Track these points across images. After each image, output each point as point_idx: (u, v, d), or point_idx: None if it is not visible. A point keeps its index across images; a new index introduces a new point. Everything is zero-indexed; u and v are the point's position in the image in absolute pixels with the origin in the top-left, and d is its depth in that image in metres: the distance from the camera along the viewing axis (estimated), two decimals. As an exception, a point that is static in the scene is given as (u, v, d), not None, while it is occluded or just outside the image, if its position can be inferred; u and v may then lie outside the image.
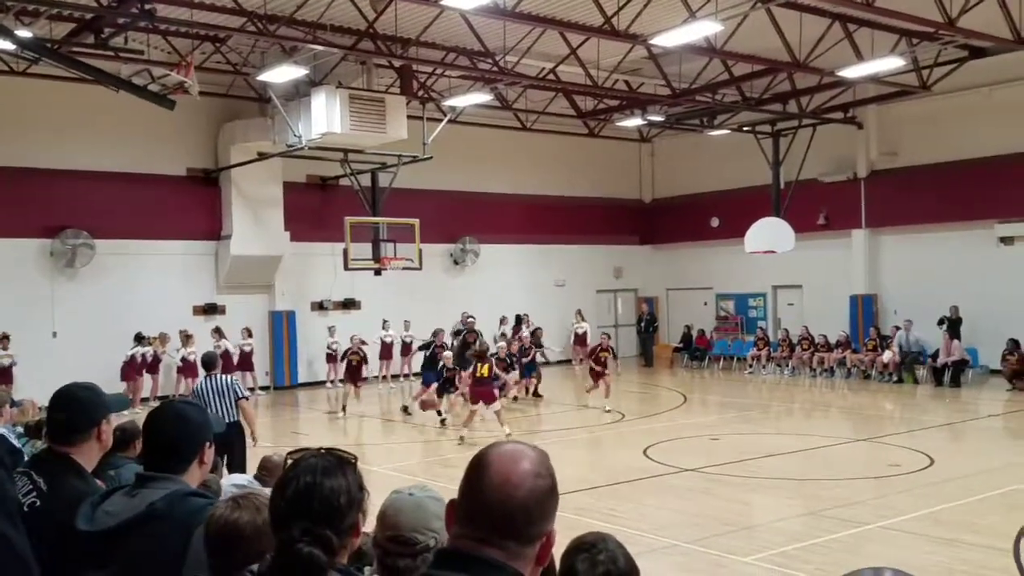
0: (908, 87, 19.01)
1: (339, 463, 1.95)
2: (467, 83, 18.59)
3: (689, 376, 23.29)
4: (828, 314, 23.14)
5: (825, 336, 22.28)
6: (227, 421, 8.62)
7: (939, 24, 14.26)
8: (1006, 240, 20.45)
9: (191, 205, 20.49)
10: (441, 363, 15.91)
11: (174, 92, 15.59)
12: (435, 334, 17.57)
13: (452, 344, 18.34)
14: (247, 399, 9.36)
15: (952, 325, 20.14)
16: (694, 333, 25.83)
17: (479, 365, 13.91)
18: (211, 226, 20.78)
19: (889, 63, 16.30)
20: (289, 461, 1.96)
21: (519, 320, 23.75)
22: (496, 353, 17.13)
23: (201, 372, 10.86)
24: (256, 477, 5.16)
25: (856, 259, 23.19)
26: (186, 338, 19.22)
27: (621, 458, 12.49)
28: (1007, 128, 19.79)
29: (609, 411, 16.33)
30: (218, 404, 8.88)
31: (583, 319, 24.50)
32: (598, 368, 17.15)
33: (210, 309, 20.66)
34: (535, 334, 21.22)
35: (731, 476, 10.93)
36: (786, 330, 23.88)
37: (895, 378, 20.32)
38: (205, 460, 2.75)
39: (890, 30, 16.10)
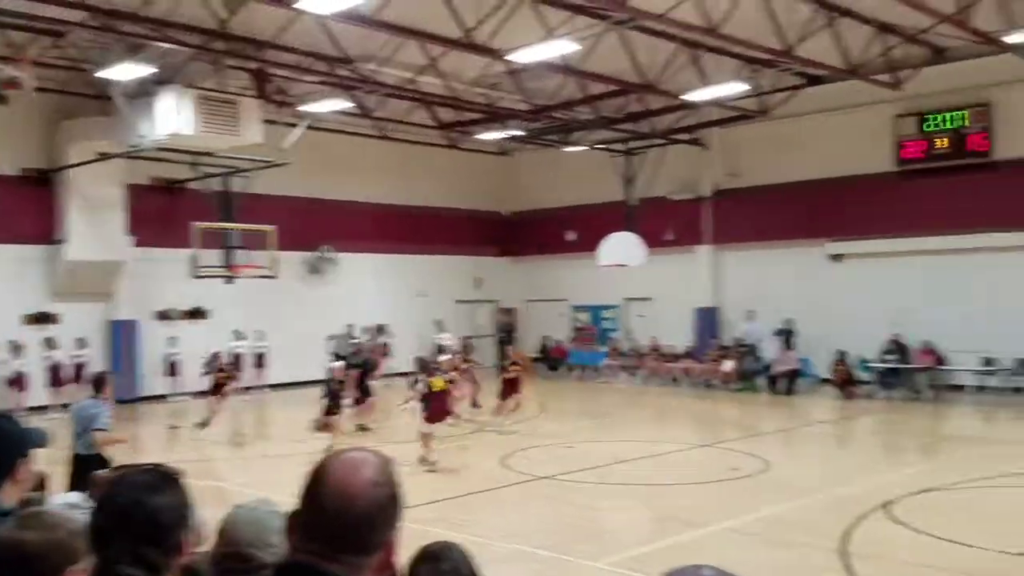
0: (749, 111, 20.18)
1: (164, 479, 1.88)
2: (326, 89, 18.27)
3: (546, 386, 23.74)
4: (675, 325, 24.21)
5: (672, 346, 23.26)
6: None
7: (778, 52, 15.22)
8: (836, 257, 22.01)
9: (23, 207, 19.10)
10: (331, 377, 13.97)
11: (7, 87, 14.55)
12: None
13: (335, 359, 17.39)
14: (104, 430, 8.35)
15: (787, 336, 21.50)
16: (550, 344, 26.36)
17: (431, 380, 12.51)
18: (44, 229, 19.43)
19: (731, 88, 17.26)
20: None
21: (380, 330, 23.49)
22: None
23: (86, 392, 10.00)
24: (90, 495, 4.86)
25: (701, 273, 24.36)
26: (15, 349, 17.90)
27: (479, 467, 12.56)
28: (839, 152, 21.34)
29: (513, 431, 15.07)
30: (85, 429, 8.16)
31: (444, 330, 24.51)
32: (510, 380, 15.91)
33: (42, 318, 19.28)
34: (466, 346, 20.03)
35: (584, 483, 11.20)
36: (636, 340, 24.82)
37: (735, 387, 21.44)
38: (19, 477, 2.57)
39: (733, 56, 17.03)
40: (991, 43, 14.54)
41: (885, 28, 16.11)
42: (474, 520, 9.45)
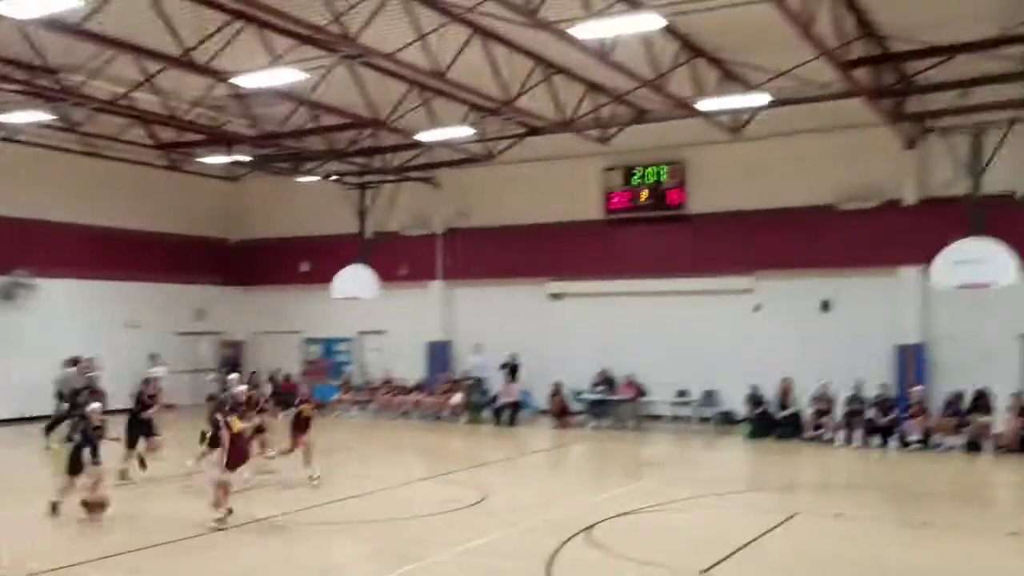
0: (477, 155, 21.08)
1: None
2: (24, 99, 16.57)
3: (274, 421, 22.84)
4: (409, 359, 24.46)
5: (404, 379, 23.47)
6: None
7: (501, 101, 16.06)
8: (556, 296, 23.44)
9: None
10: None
11: None
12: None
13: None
14: None
15: (512, 369, 22.49)
16: (280, 378, 25.47)
17: (229, 419, 10.99)
18: None
19: (459, 131, 17.93)
20: None
21: (75, 362, 21.41)
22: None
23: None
24: None
25: (433, 308, 24.86)
26: None
27: (191, 511, 11.78)
28: (558, 199, 22.83)
29: (317, 479, 13.24)
30: None
31: (161, 363, 22.83)
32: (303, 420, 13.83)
33: None
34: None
35: (309, 522, 10.89)
36: (369, 374, 24.77)
37: (463, 419, 22.00)
38: None
39: (461, 102, 17.71)
40: (684, 108, 16.32)
41: (595, 87, 17.58)
42: (184, 568, 8.84)
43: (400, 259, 24.72)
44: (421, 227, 24.88)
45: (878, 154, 19.15)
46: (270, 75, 13.95)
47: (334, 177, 23.55)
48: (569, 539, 9.87)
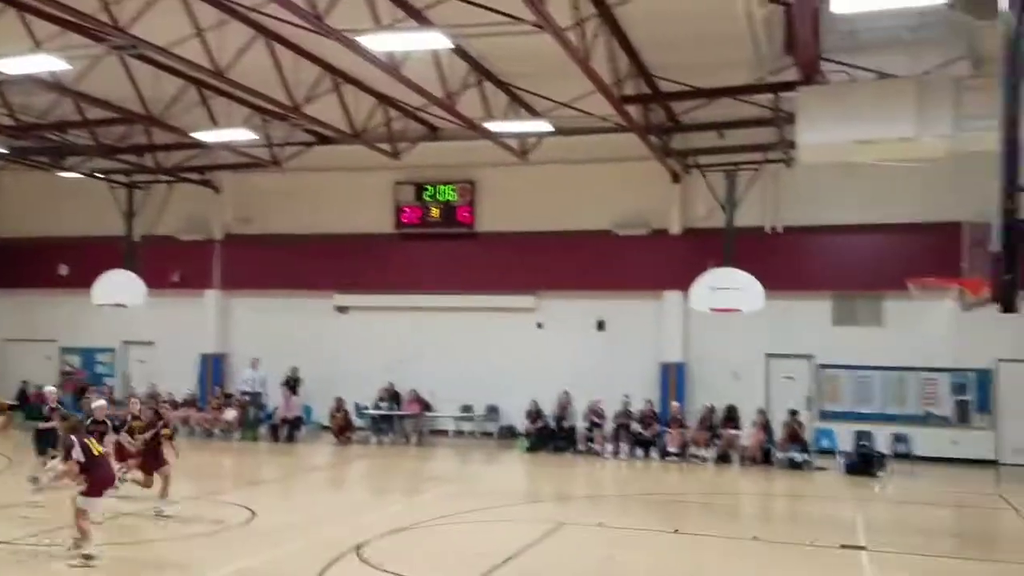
0: (261, 160, 20.35)
1: None
2: None
3: (23, 437, 20.71)
4: (180, 372, 23.09)
5: (171, 394, 22.09)
6: None
7: (287, 107, 15.64)
8: (342, 309, 23.05)
9: None
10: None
11: None
12: None
13: None
14: None
15: (293, 384, 21.81)
16: (30, 389, 23.19)
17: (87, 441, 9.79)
18: None
19: (241, 134, 17.24)
20: None
21: None
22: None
23: None
24: None
25: (208, 318, 23.65)
26: None
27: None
28: (345, 209, 22.51)
29: (168, 516, 11.78)
30: None
31: None
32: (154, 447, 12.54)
33: None
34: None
35: (42, 547, 9.93)
36: (132, 387, 23.06)
37: (237, 436, 21.03)
38: None
39: (244, 103, 17.06)
40: (473, 128, 16.67)
41: (386, 100, 17.57)
42: None
43: (173, 265, 23.34)
44: (197, 232, 23.63)
45: (650, 186, 20.51)
46: (30, 62, 12.81)
47: (100, 174, 21.85)
48: (339, 558, 9.70)
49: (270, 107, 16.49)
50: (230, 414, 21.19)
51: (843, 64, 13.04)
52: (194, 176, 22.35)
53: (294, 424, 21.02)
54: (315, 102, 15.84)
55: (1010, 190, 8.16)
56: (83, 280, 22.05)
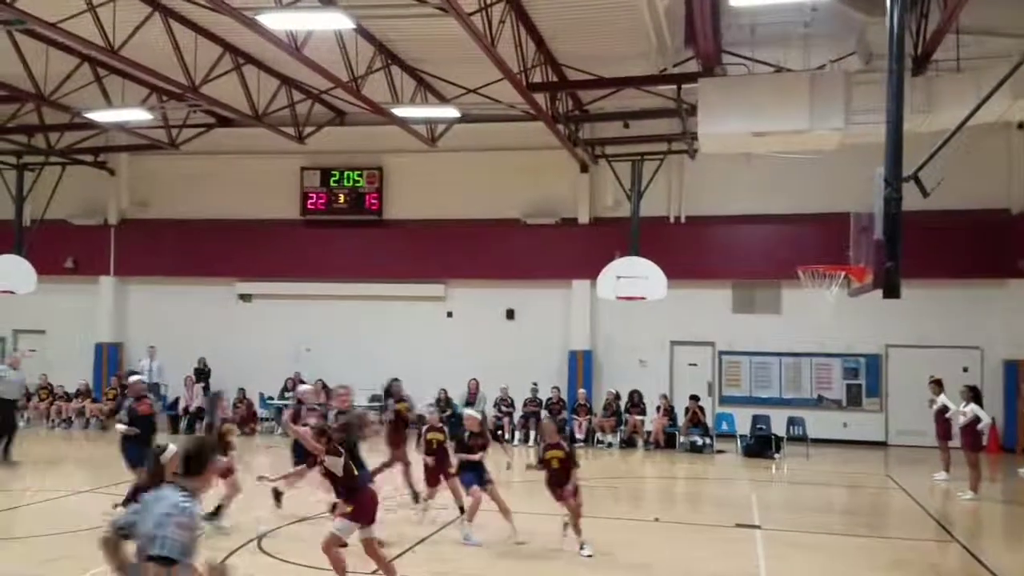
0: (158, 142, 19.64)
1: None
2: None
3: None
4: (74, 362, 22.16)
5: (63, 386, 21.18)
6: None
7: (185, 87, 15.11)
8: (245, 297, 22.49)
9: None
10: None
11: None
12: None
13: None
14: None
15: (202, 376, 21.22)
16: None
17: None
18: None
19: (137, 114, 16.62)
20: None
21: None
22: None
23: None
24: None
25: (103, 306, 22.75)
26: None
27: None
28: (248, 194, 21.95)
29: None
30: None
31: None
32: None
33: None
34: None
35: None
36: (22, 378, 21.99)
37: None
38: None
39: (140, 83, 16.43)
40: (381, 113, 16.46)
41: (290, 82, 17.18)
42: None
43: (65, 251, 22.39)
44: (91, 216, 22.69)
45: (558, 175, 20.69)
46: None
47: (-14, 155, 20.74)
48: (239, 548, 9.47)
49: (167, 87, 15.94)
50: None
51: (742, 57, 13.41)
52: (88, 158, 21.43)
53: (196, 415, 20.44)
54: (215, 83, 15.37)
55: (893, 181, 8.56)
56: (-33, 266, 20.91)
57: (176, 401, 20.85)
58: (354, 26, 11.95)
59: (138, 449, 10.24)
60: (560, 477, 9.58)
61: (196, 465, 4.31)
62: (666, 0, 12.34)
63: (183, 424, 20.30)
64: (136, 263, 22.56)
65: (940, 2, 11.42)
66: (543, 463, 9.72)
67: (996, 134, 16.90)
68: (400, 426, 12.27)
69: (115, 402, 15.83)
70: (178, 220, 22.31)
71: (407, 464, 11.99)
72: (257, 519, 10.91)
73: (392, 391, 12.72)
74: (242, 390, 20.69)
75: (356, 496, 7.62)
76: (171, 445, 5.58)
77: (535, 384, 19.87)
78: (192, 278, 22.26)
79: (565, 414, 19.37)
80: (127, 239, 22.70)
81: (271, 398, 20.94)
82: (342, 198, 21.83)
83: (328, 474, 7.72)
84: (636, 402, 19.26)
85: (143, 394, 11.09)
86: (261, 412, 21.01)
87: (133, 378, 11.62)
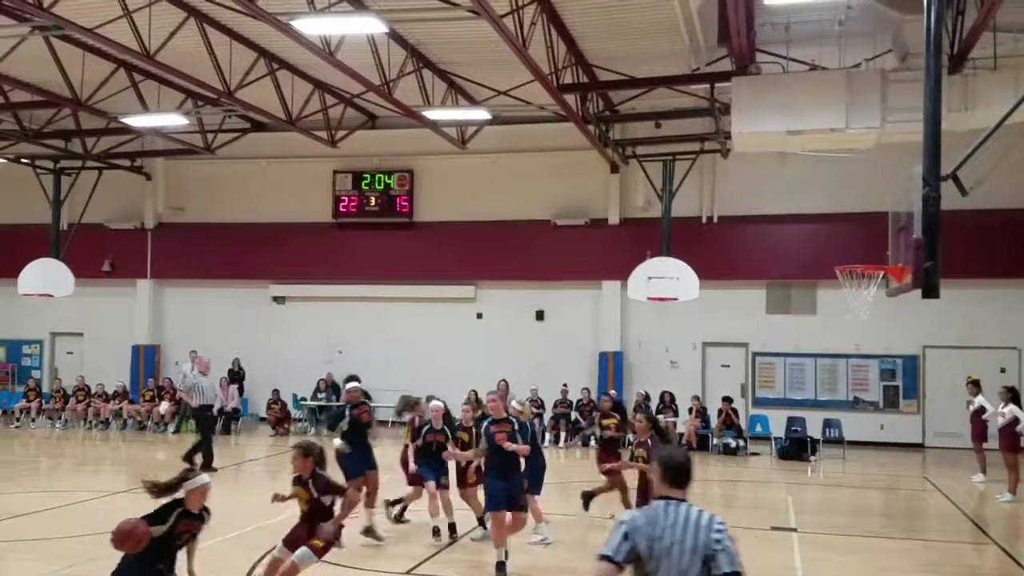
0: (194, 147, 19.90)
1: None
2: None
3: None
4: (111, 364, 22.50)
5: (103, 386, 21.52)
6: None
7: (220, 92, 15.30)
8: (278, 300, 22.70)
9: None
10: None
11: None
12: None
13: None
14: None
15: (236, 377, 21.47)
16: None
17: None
18: None
19: (173, 119, 16.86)
20: None
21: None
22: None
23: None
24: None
25: (140, 309, 23.09)
26: None
27: None
28: (281, 198, 22.17)
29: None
30: None
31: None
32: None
33: None
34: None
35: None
36: (60, 380, 22.46)
37: (172, 428, 20.58)
38: None
39: (176, 88, 16.65)
40: (412, 116, 16.54)
41: (322, 87, 17.32)
42: None
43: (103, 254, 22.73)
44: (128, 220, 23.04)
45: (588, 175, 20.64)
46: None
47: (25, 160, 21.11)
48: (274, 548, 9.55)
49: (202, 92, 16.15)
50: (163, 406, 20.74)
51: (776, 55, 13.30)
52: (124, 162, 21.76)
53: (231, 416, 20.66)
54: (249, 87, 15.54)
55: (931, 180, 8.43)
56: (8, 269, 21.31)
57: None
58: (386, 30, 12.02)
59: (356, 460, 10.00)
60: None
61: (686, 478, 4.08)
62: (698, -1, 12.29)
63: (219, 425, 20.49)
64: (172, 266, 22.87)
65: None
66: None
67: (1035, 131, 16.59)
68: None
69: (334, 412, 13.03)
70: (213, 224, 22.58)
71: None
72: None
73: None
74: (275, 391, 20.89)
75: None
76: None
77: (565, 385, 19.84)
78: (227, 281, 22.51)
79: (595, 415, 19.29)
80: (163, 242, 23.02)
81: (304, 399, 21.12)
82: (373, 200, 21.96)
83: None
84: (668, 403, 19.15)
85: (361, 401, 10.52)
86: (294, 413, 21.19)
87: (350, 385, 10.70)
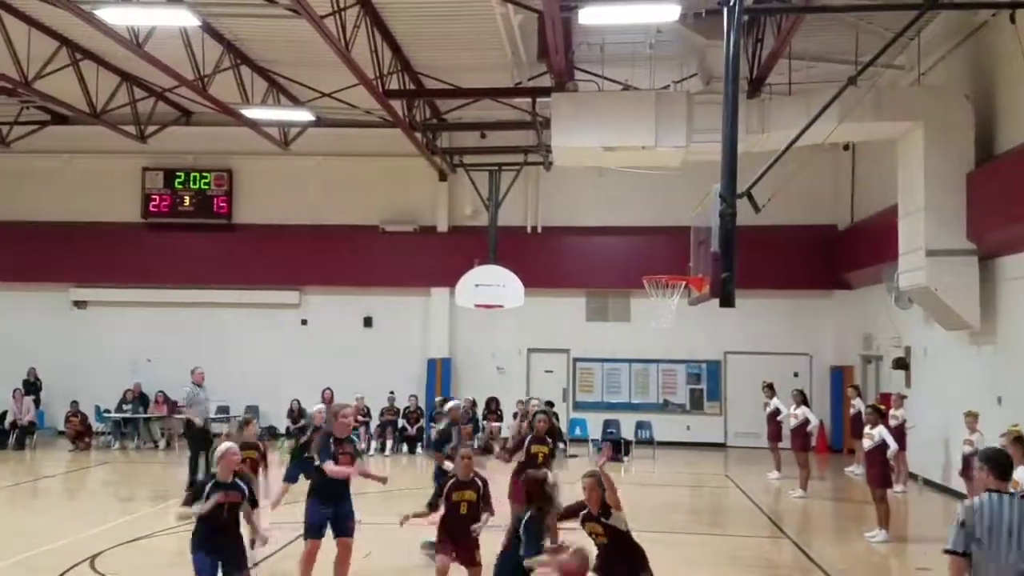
0: (-16, 139, 18.28)
1: None
2: None
3: None
4: None
5: None
6: None
7: (16, 82, 14.13)
8: (80, 304, 21.18)
9: None
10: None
11: None
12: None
13: None
14: None
15: (32, 388, 19.81)
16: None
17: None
18: None
19: (-40, 108, 15.39)
20: None
21: None
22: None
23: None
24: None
25: (-82, 314, 20.86)
26: None
27: None
28: (83, 195, 20.73)
29: None
30: None
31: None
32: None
33: None
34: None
35: None
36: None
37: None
38: None
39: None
40: (230, 114, 15.92)
41: (130, 79, 16.37)
42: None
43: None
44: (-94, 217, 20.80)
45: (417, 182, 20.65)
46: None
47: None
48: (70, 568, 8.92)
49: (-3, 82, 14.85)
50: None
51: (592, 74, 13.84)
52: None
53: (26, 430, 19.03)
54: (49, 77, 14.44)
55: (728, 197, 9.06)
56: None
57: (3, 415, 19.32)
58: (199, 23, 11.52)
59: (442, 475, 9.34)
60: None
61: (1009, 470, 4.72)
62: (520, 15, 12.57)
63: (11, 440, 18.84)
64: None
65: (775, 28, 12.20)
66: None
67: (824, 154, 18.13)
68: None
69: (444, 431, 11.15)
70: (7, 221, 20.76)
71: None
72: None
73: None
74: (75, 403, 19.43)
75: None
76: None
77: (392, 393, 19.71)
78: (23, 284, 20.77)
79: (423, 422, 19.31)
80: (-51, 241, 20.94)
81: (107, 411, 19.79)
82: (188, 200, 20.96)
83: None
84: (493, 409, 19.43)
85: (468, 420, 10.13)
86: (97, 426, 19.81)
87: (451, 404, 10.73)
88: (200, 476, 13.65)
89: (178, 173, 20.89)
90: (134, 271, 20.66)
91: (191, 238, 20.84)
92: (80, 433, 19.13)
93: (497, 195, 18.90)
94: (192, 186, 20.93)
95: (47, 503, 14.30)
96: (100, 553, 9.65)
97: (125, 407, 19.67)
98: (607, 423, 19.26)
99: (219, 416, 20.38)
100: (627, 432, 19.19)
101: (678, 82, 13.69)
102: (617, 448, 18.36)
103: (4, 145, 18.55)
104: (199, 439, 14.11)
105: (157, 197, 20.89)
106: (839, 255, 19.38)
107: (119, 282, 20.76)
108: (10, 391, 19.37)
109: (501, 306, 18.30)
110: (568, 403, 20.68)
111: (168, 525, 11.36)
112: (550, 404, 18.58)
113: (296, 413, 19.45)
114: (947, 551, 4.52)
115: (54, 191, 20.73)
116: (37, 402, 19.84)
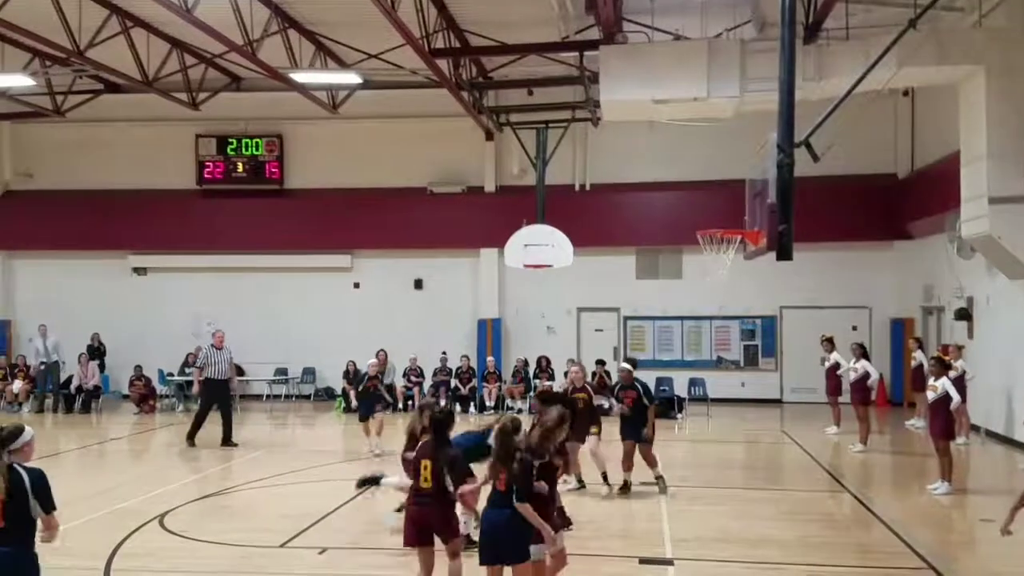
0: (43, 110, 18.66)
1: None
2: None
3: None
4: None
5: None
6: None
7: (69, 51, 14.35)
8: (139, 270, 21.67)
9: None
10: None
11: None
12: None
13: None
14: None
15: (96, 353, 20.40)
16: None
17: None
18: None
19: (18, 80, 15.72)
20: None
21: None
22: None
23: None
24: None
25: (-9, 283, 21.59)
26: None
27: None
28: (140, 164, 21.09)
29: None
30: None
31: None
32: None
33: None
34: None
35: None
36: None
37: (27, 408, 19.41)
38: None
39: (22, 47, 15.51)
40: (279, 78, 15.99)
41: (180, 46, 16.51)
42: None
43: (-57, 224, 21.07)
44: (-27, 189, 21.43)
45: (463, 143, 20.59)
46: None
47: None
48: (139, 528, 9.23)
49: (51, 51, 15.09)
50: (17, 385, 19.53)
51: (642, 25, 13.54)
52: (-38, 126, 20.18)
53: (92, 394, 19.67)
54: (101, 46, 14.63)
55: (785, 147, 8.84)
56: None
57: (69, 380, 19.98)
58: (248, -14, 11.54)
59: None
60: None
61: None
62: (567, -34, 12.33)
63: (78, 404, 19.51)
64: (23, 236, 21.45)
65: (831, -28, 11.78)
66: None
67: (883, 101, 17.60)
68: None
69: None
70: (67, 191, 21.29)
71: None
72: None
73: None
74: (138, 367, 19.99)
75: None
76: None
77: (444, 353, 19.88)
78: (83, 252, 21.32)
79: (475, 382, 19.47)
80: (12, 211, 21.55)
81: (171, 374, 20.32)
82: (241, 167, 21.20)
83: None
84: (544, 367, 19.50)
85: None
86: (161, 389, 20.38)
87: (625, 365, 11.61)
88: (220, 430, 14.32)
89: (230, 139, 21.12)
90: (190, 238, 21.05)
91: (245, 204, 21.13)
92: (144, 396, 19.71)
93: (544, 153, 18.72)
94: (244, 152, 21.17)
95: (115, 464, 14.79)
96: (169, 511, 9.95)
97: (187, 370, 20.16)
98: (659, 380, 19.18)
99: (278, 378, 20.89)
100: (680, 390, 19.10)
101: (731, 29, 13.32)
102: (671, 405, 18.31)
103: (60, 115, 18.90)
104: (216, 394, 15.03)
105: (211, 164, 21.18)
106: (899, 205, 18.89)
107: (176, 248, 21.19)
108: (76, 357, 19.98)
109: (550, 265, 18.19)
110: (619, 362, 20.58)
111: (235, 483, 11.71)
112: (600, 363, 18.61)
113: (351, 375, 19.74)
114: None
115: (110, 160, 21.14)
116: (102, 367, 20.47)
